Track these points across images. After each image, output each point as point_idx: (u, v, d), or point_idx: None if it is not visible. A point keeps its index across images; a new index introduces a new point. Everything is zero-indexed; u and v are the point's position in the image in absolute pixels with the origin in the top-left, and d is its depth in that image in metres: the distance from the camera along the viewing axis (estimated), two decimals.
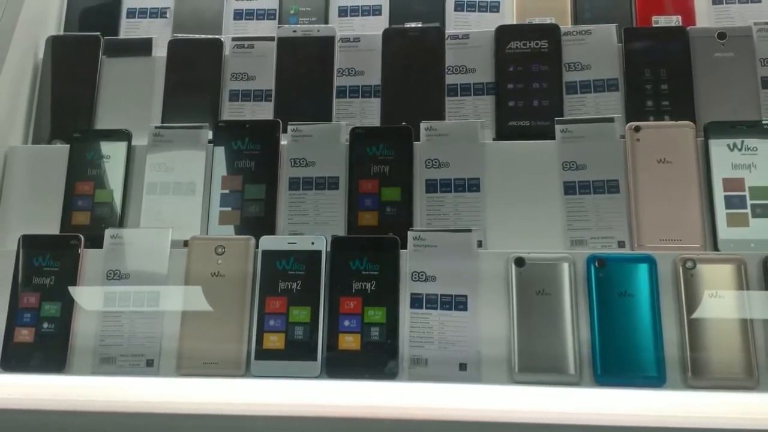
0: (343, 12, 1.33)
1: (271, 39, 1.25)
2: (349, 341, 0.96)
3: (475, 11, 1.31)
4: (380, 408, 0.87)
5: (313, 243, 1.01)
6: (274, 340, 0.96)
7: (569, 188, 1.08)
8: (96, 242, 1.04)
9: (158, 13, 1.35)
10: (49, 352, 0.97)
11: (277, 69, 1.23)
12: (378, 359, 0.95)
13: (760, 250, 1.00)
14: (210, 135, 1.15)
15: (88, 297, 1.00)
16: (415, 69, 1.21)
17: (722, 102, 1.16)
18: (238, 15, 1.35)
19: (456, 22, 1.30)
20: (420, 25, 1.24)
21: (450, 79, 1.21)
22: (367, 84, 1.21)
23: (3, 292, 1.01)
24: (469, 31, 1.25)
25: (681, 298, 0.96)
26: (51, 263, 1.02)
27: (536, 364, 0.94)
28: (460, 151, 1.11)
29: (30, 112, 1.24)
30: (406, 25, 1.24)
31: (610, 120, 1.12)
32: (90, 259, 1.03)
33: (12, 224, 1.11)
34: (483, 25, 1.28)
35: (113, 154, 1.13)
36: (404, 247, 1.01)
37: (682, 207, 1.05)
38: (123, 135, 1.14)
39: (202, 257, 1.01)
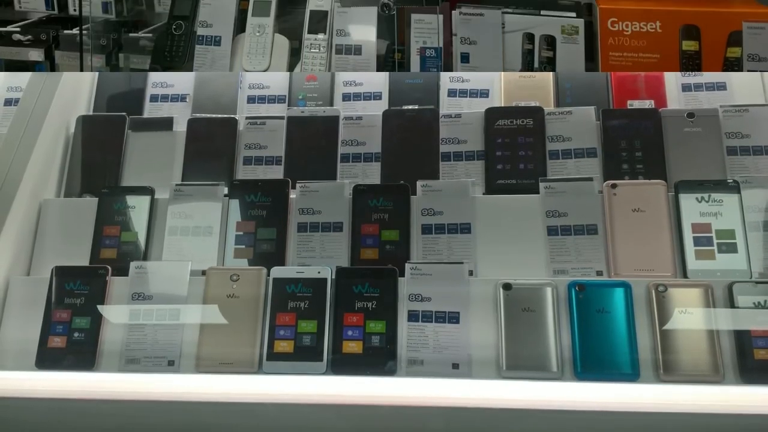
0: (346, 97, 1.63)
1: (281, 118, 1.53)
2: (352, 346, 1.17)
3: (466, 97, 1.60)
4: (379, 397, 1.07)
5: (319, 272, 1.24)
6: (284, 346, 1.17)
7: (552, 231, 1.31)
8: (122, 273, 1.27)
9: (179, 98, 1.64)
10: (79, 355, 1.18)
11: (287, 139, 1.49)
12: (378, 360, 1.16)
13: (725, 278, 1.22)
14: (225, 191, 1.40)
15: (114, 312, 1.22)
16: (412, 140, 1.48)
17: (691, 167, 1.39)
18: (251, 100, 1.64)
19: (449, 106, 1.59)
20: (416, 107, 1.52)
21: (444, 148, 1.47)
22: (369, 152, 1.48)
23: (37, 313, 1.23)
24: (461, 111, 1.52)
25: (654, 315, 1.17)
26: (81, 288, 1.24)
27: (522, 363, 1.15)
28: (453, 203, 1.35)
29: (61, 178, 1.50)
30: (404, 107, 1.53)
31: (589, 179, 1.37)
32: (116, 285, 1.25)
33: (45, 265, 1.34)
34: (474, 108, 1.56)
35: (138, 205, 1.37)
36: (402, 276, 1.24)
37: (654, 244, 1.28)
38: (146, 190, 1.39)
39: (218, 283, 1.23)
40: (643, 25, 1.46)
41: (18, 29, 1.82)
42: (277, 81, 1.66)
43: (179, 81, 1.67)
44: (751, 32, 1.42)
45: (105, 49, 1.65)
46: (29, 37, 1.77)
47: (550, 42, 1.48)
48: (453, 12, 1.53)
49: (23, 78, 1.61)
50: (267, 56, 1.55)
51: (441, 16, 1.52)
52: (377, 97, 1.62)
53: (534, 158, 1.44)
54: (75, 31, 1.74)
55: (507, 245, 1.31)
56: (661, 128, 1.45)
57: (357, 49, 1.53)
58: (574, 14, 1.50)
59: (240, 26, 1.60)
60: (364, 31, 1.55)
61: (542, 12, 1.52)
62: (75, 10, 1.82)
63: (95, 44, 1.63)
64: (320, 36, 1.54)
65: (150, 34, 1.71)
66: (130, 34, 1.71)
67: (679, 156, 1.42)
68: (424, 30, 1.52)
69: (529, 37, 1.49)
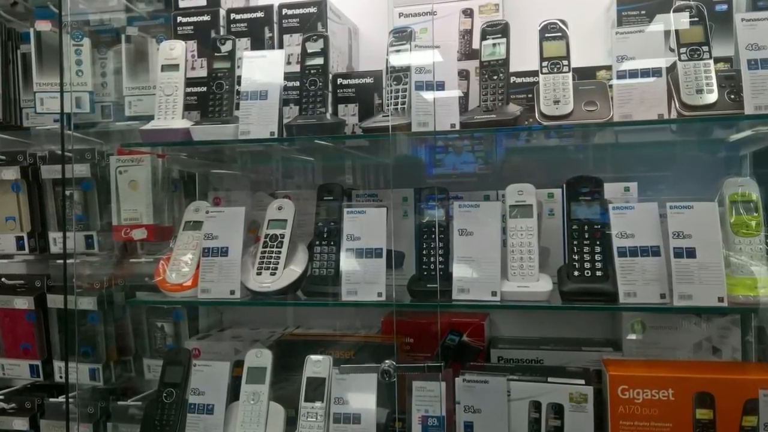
0: None
1: None
2: None
3: None
4: None
5: None
6: None
7: None
8: None
9: None
10: None
11: None
12: None
13: None
14: None
15: None
16: None
17: None
18: None
19: None
20: None
21: None
22: None
23: None
24: None
25: None
26: None
27: None
28: None
29: None
30: None
31: None
32: None
33: None
34: None
35: None
36: None
37: None
38: None
39: None
40: (655, 392, 1.51)
41: (2, 397, 1.88)
42: None
43: None
44: None
45: (92, 417, 1.72)
46: (13, 405, 1.83)
47: (557, 410, 1.54)
48: (456, 379, 1.60)
49: None
50: (262, 426, 1.61)
51: (443, 384, 1.59)
52: None
53: None
54: (61, 399, 1.81)
55: None
56: None
57: (356, 418, 1.59)
58: (582, 381, 1.57)
59: (234, 394, 1.67)
60: (363, 399, 1.62)
61: (550, 379, 1.59)
62: (61, 377, 1.89)
63: (82, 413, 1.69)
64: (317, 404, 1.60)
65: (139, 402, 1.78)
66: (119, 402, 1.78)
67: None
68: (426, 398, 1.59)
69: (536, 406, 1.55)
